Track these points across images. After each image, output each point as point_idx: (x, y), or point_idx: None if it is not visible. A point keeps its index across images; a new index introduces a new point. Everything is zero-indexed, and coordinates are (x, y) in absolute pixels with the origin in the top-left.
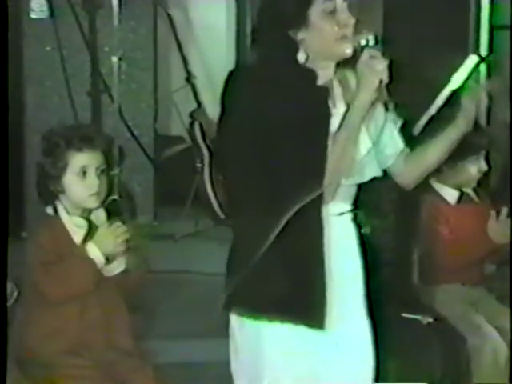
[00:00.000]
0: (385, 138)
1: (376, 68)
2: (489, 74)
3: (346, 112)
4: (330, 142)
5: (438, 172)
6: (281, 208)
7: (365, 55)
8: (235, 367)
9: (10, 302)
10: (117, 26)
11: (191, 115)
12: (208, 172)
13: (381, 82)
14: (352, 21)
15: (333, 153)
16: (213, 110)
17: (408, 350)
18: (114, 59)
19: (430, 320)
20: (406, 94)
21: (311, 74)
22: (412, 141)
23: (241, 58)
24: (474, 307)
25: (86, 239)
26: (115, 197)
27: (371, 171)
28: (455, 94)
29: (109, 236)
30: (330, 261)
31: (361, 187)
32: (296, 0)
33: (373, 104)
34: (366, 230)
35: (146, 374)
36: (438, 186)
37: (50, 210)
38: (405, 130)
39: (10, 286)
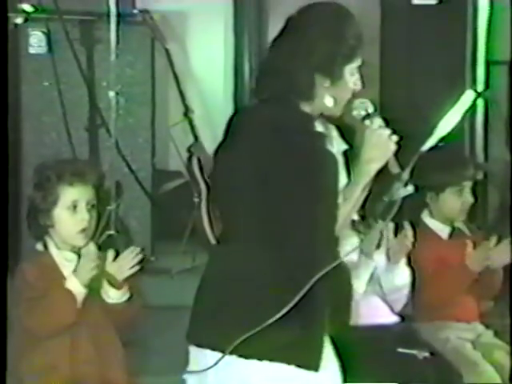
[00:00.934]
0: None
1: (390, 139)
2: (486, 110)
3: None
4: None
5: (424, 206)
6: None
7: (375, 125)
8: None
9: None
10: (114, 60)
11: (189, 150)
12: (205, 207)
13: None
14: (360, 87)
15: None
16: (211, 144)
17: None
18: (112, 94)
19: (426, 354)
20: (403, 127)
21: (310, 119)
22: None
23: (238, 93)
24: (471, 343)
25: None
26: (111, 232)
27: None
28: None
29: (88, 265)
30: None
31: None
32: (339, 54)
33: None
34: None
35: None
36: (429, 221)
37: (39, 247)
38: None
39: None
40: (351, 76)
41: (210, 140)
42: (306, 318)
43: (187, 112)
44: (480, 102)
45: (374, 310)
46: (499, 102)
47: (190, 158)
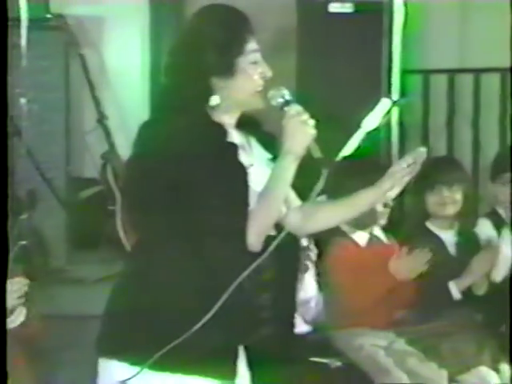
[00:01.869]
0: None
1: (307, 124)
2: (400, 118)
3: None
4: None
5: None
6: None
7: (292, 111)
8: None
9: None
10: (26, 66)
11: (103, 157)
12: (120, 215)
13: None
14: (270, 74)
15: (260, 208)
16: (126, 151)
17: None
18: (23, 101)
19: (338, 364)
20: (318, 136)
21: (222, 130)
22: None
23: (154, 99)
24: (383, 351)
25: None
26: (24, 242)
27: None
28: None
29: None
30: None
31: None
32: (225, 48)
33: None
34: None
35: None
36: (347, 228)
37: None
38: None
39: None
40: (253, 65)
41: (127, 147)
42: (222, 328)
43: (102, 119)
44: (395, 111)
45: None
46: (414, 110)
47: (104, 166)
